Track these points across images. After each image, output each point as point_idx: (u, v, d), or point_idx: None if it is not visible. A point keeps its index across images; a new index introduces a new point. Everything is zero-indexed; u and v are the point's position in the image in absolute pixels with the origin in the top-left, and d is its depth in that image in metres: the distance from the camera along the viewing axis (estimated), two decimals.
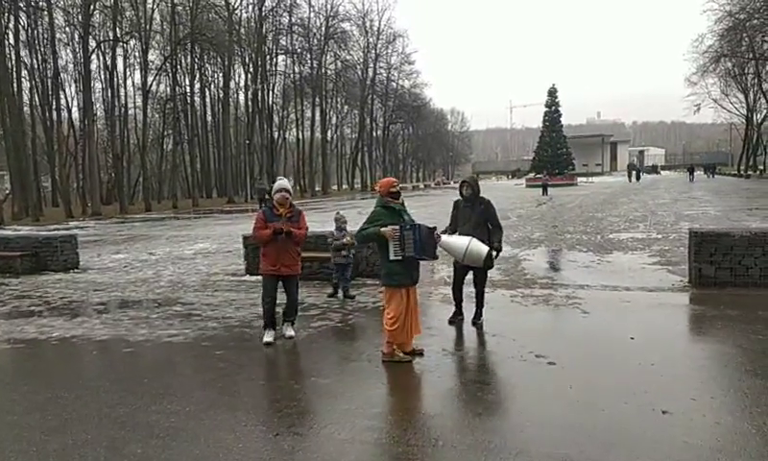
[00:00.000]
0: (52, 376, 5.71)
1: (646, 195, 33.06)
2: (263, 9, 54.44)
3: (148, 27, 47.04)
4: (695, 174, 55.78)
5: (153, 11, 48.48)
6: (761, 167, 68.95)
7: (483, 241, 6.10)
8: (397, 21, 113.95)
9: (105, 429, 4.23)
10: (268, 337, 6.27)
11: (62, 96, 49.21)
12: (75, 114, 52.04)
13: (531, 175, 67.85)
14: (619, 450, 3.64)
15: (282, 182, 6.47)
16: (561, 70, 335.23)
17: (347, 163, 79.96)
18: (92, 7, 39.12)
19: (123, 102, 52.93)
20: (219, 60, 56.62)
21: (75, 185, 55.72)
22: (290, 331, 6.50)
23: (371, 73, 71.04)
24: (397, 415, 4.44)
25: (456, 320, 6.81)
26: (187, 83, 53.68)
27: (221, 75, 59.32)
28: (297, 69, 61.44)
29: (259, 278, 6.70)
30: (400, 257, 5.37)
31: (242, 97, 62.53)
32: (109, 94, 46.08)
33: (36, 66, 45.42)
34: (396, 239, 5.35)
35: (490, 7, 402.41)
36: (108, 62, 45.78)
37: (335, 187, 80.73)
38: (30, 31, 42.95)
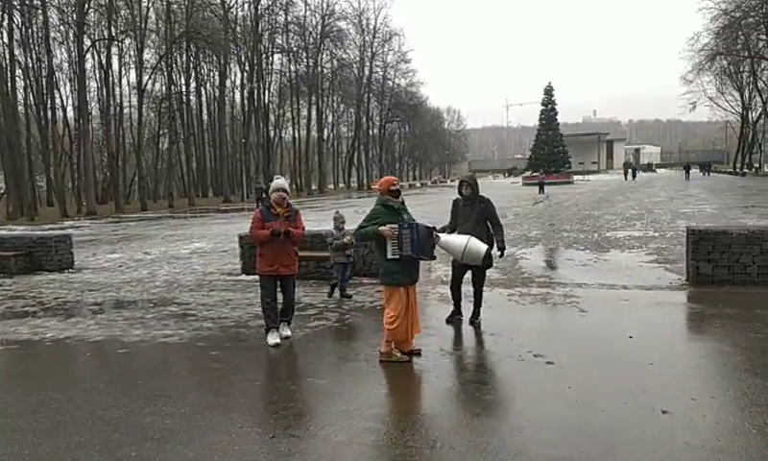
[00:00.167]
0: (45, 377, 5.64)
1: (642, 193, 33.09)
2: (259, 7, 54.31)
3: (143, 25, 46.83)
4: (691, 172, 55.88)
5: (148, 9, 48.29)
6: (756, 165, 69.19)
7: (482, 240, 6.07)
8: (394, 20, 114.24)
9: (98, 432, 4.17)
10: (274, 339, 6.19)
11: (57, 95, 49.02)
12: (70, 113, 51.91)
13: (527, 173, 67.97)
14: (619, 451, 3.60)
15: (280, 182, 6.41)
16: (557, 69, 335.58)
17: (343, 162, 79.93)
18: (87, 5, 38.93)
19: (118, 101, 52.77)
20: (215, 58, 56.51)
21: (70, 185, 55.51)
22: (287, 331, 6.44)
23: (367, 72, 71.02)
24: (395, 416, 4.40)
25: (454, 319, 6.77)
26: (183, 81, 53.61)
27: (216, 74, 59.23)
28: (293, 68, 61.39)
29: (255, 277, 6.64)
30: (398, 256, 5.33)
31: (238, 96, 62.50)
32: (104, 93, 46.00)
33: (30, 65, 45.18)
34: (394, 238, 5.32)
35: (486, 5, 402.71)
36: (103, 61, 45.70)
37: (331, 186, 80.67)
38: (24, 29, 42.67)
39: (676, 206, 22.42)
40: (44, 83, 44.38)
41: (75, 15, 39.93)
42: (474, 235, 6.04)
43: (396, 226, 5.33)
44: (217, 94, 58.99)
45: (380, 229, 5.35)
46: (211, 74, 63.07)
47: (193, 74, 55.74)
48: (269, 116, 60.71)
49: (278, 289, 6.33)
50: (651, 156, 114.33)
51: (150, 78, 49.77)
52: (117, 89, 53.32)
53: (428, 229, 5.48)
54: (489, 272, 7.06)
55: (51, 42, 42.46)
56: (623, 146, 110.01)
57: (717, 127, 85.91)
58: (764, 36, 53.35)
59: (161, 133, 52.95)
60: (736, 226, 10.31)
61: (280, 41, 59.45)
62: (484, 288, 6.83)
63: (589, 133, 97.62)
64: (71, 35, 44.35)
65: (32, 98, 46.98)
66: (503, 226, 6.78)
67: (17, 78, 43.08)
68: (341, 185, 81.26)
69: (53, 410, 4.61)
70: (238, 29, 55.41)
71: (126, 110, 55.16)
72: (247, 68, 55.86)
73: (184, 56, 51.75)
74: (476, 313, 6.73)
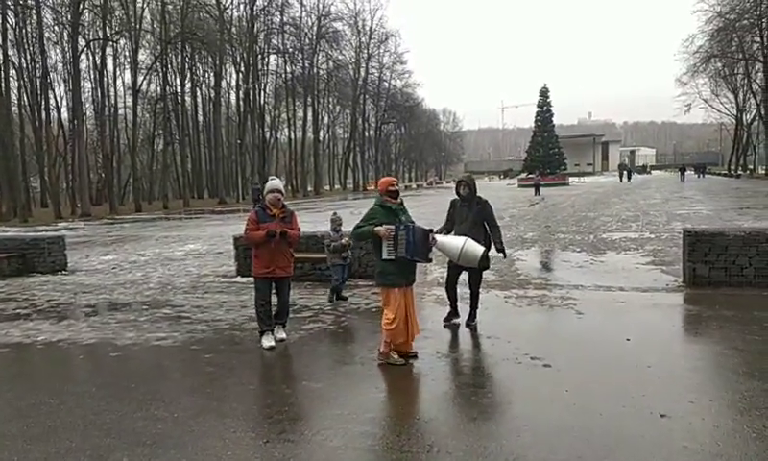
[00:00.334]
0: (36, 381, 5.57)
1: (638, 195, 33.17)
2: (254, 8, 54.25)
3: (138, 26, 46.70)
4: (686, 174, 56.07)
5: (143, 9, 48.21)
6: (751, 167, 69.51)
7: (479, 241, 6.02)
8: (390, 21, 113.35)
9: (89, 437, 4.10)
10: (268, 341, 6.13)
11: (51, 96, 48.81)
12: (64, 114, 51.72)
13: (523, 175, 68.07)
14: (618, 455, 3.56)
15: (275, 183, 6.35)
16: (552, 71, 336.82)
17: (339, 163, 79.85)
18: (81, 5, 38.79)
19: (113, 102, 52.57)
20: (210, 59, 56.34)
21: (64, 186, 55.23)
22: (281, 334, 6.38)
23: (363, 73, 70.99)
24: (391, 420, 4.35)
25: (451, 321, 6.72)
26: (178, 82, 53.41)
27: (212, 74, 59.08)
28: (288, 69, 61.29)
29: (250, 279, 6.58)
30: (393, 257, 5.30)
31: (233, 97, 62.37)
32: (99, 94, 45.79)
33: (24, 65, 44.92)
34: (389, 239, 5.29)
35: (481, 7, 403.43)
36: (98, 62, 45.47)
37: (327, 188, 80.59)
38: (18, 29, 42.48)
39: (671, 208, 22.46)
40: (38, 83, 44.11)
41: (69, 16, 39.79)
42: (471, 236, 6.00)
43: (392, 227, 5.30)
44: (212, 95, 58.85)
45: (376, 229, 5.32)
46: (207, 75, 62.96)
47: (188, 75, 55.57)
48: (264, 117, 60.63)
49: (273, 291, 6.27)
50: (646, 157, 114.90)
51: (145, 79, 49.63)
52: (112, 90, 53.17)
53: (425, 231, 5.44)
54: (485, 274, 7.04)
55: (45, 43, 42.25)
56: (618, 148, 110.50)
57: (712, 129, 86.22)
58: (758, 39, 53.59)
59: (156, 134, 52.67)
60: (733, 227, 10.30)
61: (276, 42, 59.43)
62: (480, 290, 6.79)
63: (585, 135, 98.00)
64: (65, 35, 44.24)
65: (26, 98, 46.73)
66: (500, 227, 6.75)
67: (11, 78, 42.88)
68: (336, 187, 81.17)
69: (44, 415, 4.54)
70: (234, 30, 55.29)
71: (121, 111, 54.93)
72: (242, 69, 55.78)
73: (180, 56, 51.59)
74: (472, 315, 6.68)
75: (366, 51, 70.76)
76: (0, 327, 7.50)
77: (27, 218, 34.00)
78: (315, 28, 61.56)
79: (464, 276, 6.65)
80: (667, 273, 9.46)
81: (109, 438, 4.06)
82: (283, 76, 61.36)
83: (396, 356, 5.41)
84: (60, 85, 53.48)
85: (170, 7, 47.81)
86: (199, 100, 63.31)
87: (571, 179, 62.02)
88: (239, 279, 10.31)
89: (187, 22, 47.49)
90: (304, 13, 61.39)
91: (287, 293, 6.38)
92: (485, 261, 5.94)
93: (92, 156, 55.85)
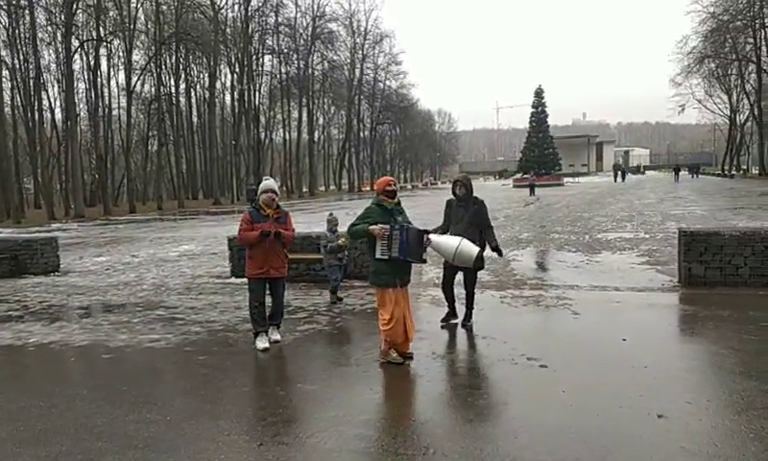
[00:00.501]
0: (27, 383, 5.50)
1: (632, 195, 33.24)
2: (249, 8, 54.04)
3: (132, 26, 46.48)
4: (680, 174, 56.28)
5: (137, 10, 47.95)
6: (744, 167, 69.83)
7: (474, 242, 5.98)
8: (384, 22, 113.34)
9: (80, 441, 4.04)
10: (263, 343, 6.07)
11: (45, 96, 48.60)
12: (58, 115, 51.36)
13: (518, 175, 68.21)
14: (615, 457, 3.53)
15: (269, 183, 6.29)
16: (547, 71, 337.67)
17: (334, 164, 79.77)
18: (75, 6, 38.57)
19: (107, 102, 52.41)
20: (204, 60, 56.16)
21: (58, 187, 54.96)
22: (276, 335, 6.33)
23: (357, 73, 70.91)
24: (387, 422, 4.30)
25: (449, 322, 6.68)
26: (172, 83, 53.21)
27: (206, 75, 58.88)
28: (283, 69, 61.09)
29: (245, 280, 6.52)
30: (386, 257, 5.27)
31: (228, 97, 62.22)
32: (93, 94, 45.52)
33: (17, 66, 44.68)
34: (384, 238, 5.25)
35: (476, 8, 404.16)
36: (92, 62, 45.22)
37: (322, 188, 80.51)
38: (11, 30, 42.26)
39: (666, 208, 22.51)
40: (32, 84, 43.90)
41: (63, 16, 39.55)
42: (467, 237, 5.96)
43: (387, 226, 5.26)
44: (207, 96, 58.64)
45: (370, 228, 5.29)
46: (201, 75, 62.74)
47: (183, 75, 55.43)
48: (259, 118, 60.44)
49: (268, 292, 6.22)
50: (640, 158, 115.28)
51: (139, 79, 49.46)
52: (106, 91, 53.01)
53: (419, 232, 5.40)
54: (480, 274, 7.00)
55: (38, 43, 41.99)
56: (612, 148, 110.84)
57: (705, 129, 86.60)
58: (751, 40, 53.89)
59: (151, 134, 52.49)
60: (728, 227, 10.32)
61: (271, 43, 59.26)
62: (476, 290, 6.76)
63: (579, 136, 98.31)
64: (59, 35, 43.92)
65: (19, 99, 46.46)
66: (493, 227, 6.70)
67: (4, 79, 42.61)
68: (332, 188, 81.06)
69: (34, 418, 4.47)
70: (228, 30, 55.12)
71: (114, 112, 54.84)
72: (237, 70, 55.60)
73: (174, 57, 51.42)
74: (468, 316, 6.65)
75: (361, 52, 70.73)
76: None
77: (20, 219, 33.77)
78: (310, 28, 61.45)
79: (459, 276, 6.61)
80: (662, 273, 9.45)
81: (101, 441, 4.00)
82: (278, 76, 61.22)
83: (395, 354, 5.39)
84: (53, 86, 53.22)
85: (164, 7, 47.66)
86: (193, 101, 63.13)
87: (566, 179, 62.16)
88: (233, 280, 10.24)
89: (182, 23, 47.32)
90: (299, 14, 61.32)
91: (282, 294, 6.33)
92: (480, 262, 5.91)
93: (86, 156, 55.60)
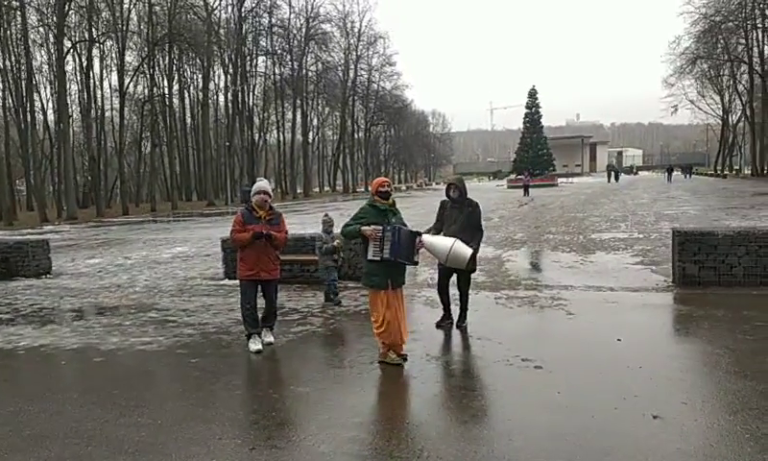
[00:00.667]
0: (17, 387, 5.43)
1: (626, 195, 33.32)
2: (242, 9, 53.92)
3: (124, 27, 46.16)
4: (673, 174, 56.47)
5: (129, 11, 47.58)
6: (737, 167, 70.20)
7: (467, 243, 5.95)
8: (378, 23, 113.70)
9: (70, 445, 3.98)
10: (255, 345, 6.02)
11: (37, 98, 48.24)
12: (50, 116, 51.07)
13: (512, 176, 68.26)
14: (611, 459, 3.51)
15: (262, 184, 6.23)
16: (540, 72, 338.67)
17: (328, 165, 79.61)
18: (67, 7, 38.33)
19: (99, 104, 52.07)
20: (198, 61, 55.88)
21: (50, 189, 54.62)
22: (269, 337, 6.28)
23: (352, 74, 70.74)
24: (381, 425, 4.26)
25: (445, 323, 6.64)
26: (165, 84, 52.97)
27: (200, 76, 58.54)
28: (277, 71, 60.96)
29: (238, 282, 6.46)
30: (378, 258, 5.24)
31: (222, 99, 61.86)
32: (85, 96, 45.26)
33: (9, 67, 44.34)
34: (376, 239, 5.23)
35: (470, 9, 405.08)
36: (84, 63, 44.98)
37: (317, 189, 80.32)
38: (2, 31, 41.91)
39: (659, 208, 22.56)
40: (24, 85, 43.55)
41: (54, 17, 39.29)
42: (460, 238, 5.92)
43: (379, 227, 5.23)
44: (200, 97, 58.32)
45: (362, 228, 5.28)
46: (194, 77, 62.43)
47: (176, 76, 55.14)
48: (253, 119, 60.28)
49: (260, 294, 6.17)
50: (633, 158, 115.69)
51: (132, 80, 49.12)
52: (98, 92, 52.66)
53: (411, 233, 5.37)
54: (475, 275, 6.97)
55: (30, 44, 41.70)
56: (606, 149, 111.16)
57: (698, 130, 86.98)
58: (743, 41, 54.17)
59: (144, 136, 52.21)
60: (722, 227, 10.34)
61: (264, 44, 59.14)
62: (470, 291, 6.73)
63: (573, 136, 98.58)
64: (51, 36, 43.66)
65: (11, 101, 46.09)
66: (483, 231, 6.65)
67: None
68: (326, 189, 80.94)
69: (23, 423, 4.41)
70: (222, 31, 54.87)
71: (107, 113, 54.44)
72: (230, 71, 55.44)
73: (167, 58, 51.17)
74: (463, 317, 6.62)
75: (355, 53, 70.55)
76: None
77: (12, 221, 33.53)
78: (303, 30, 61.27)
79: (453, 277, 6.57)
80: (657, 273, 9.46)
81: (90, 446, 3.95)
82: (272, 78, 61.07)
83: (393, 355, 5.37)
84: (45, 88, 52.94)
85: (157, 8, 47.35)
86: (187, 102, 62.85)
87: (560, 180, 62.22)
88: (227, 281, 10.18)
89: (174, 23, 47.04)
90: (293, 15, 61.17)
91: (274, 296, 6.28)
92: (472, 264, 5.87)
93: (78, 158, 55.31)
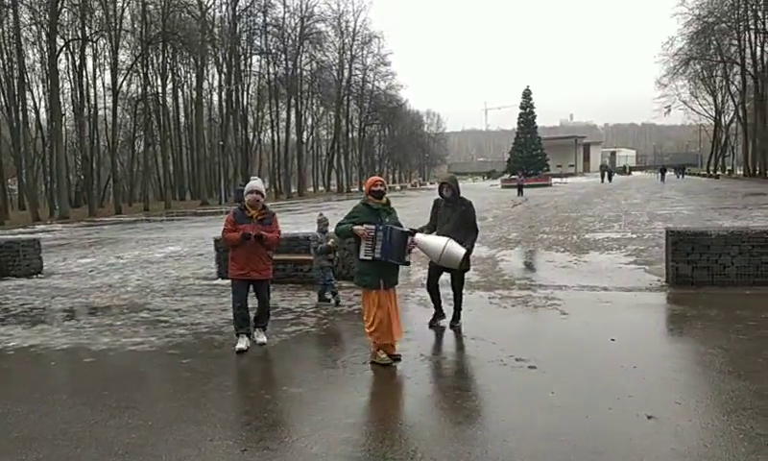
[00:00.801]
0: (5, 388, 5.35)
1: (619, 195, 33.43)
2: (237, 8, 53.76)
3: (118, 26, 45.94)
4: (666, 174, 56.73)
5: (123, 9, 47.42)
6: (729, 168, 70.61)
7: (461, 243, 5.92)
8: (373, 23, 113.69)
9: (59, 447, 3.92)
10: (241, 344, 5.98)
11: (29, 96, 47.95)
12: (42, 115, 50.80)
13: (506, 176, 68.40)
14: (605, 459, 3.49)
15: (254, 184, 6.17)
16: (534, 73, 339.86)
17: (322, 165, 79.56)
18: (60, 5, 38.10)
19: (92, 102, 51.76)
20: (192, 60, 55.68)
21: (42, 188, 54.30)
22: (262, 338, 6.23)
23: (346, 74, 70.72)
24: (374, 425, 4.23)
25: (437, 322, 6.62)
26: (159, 83, 52.73)
27: (194, 75, 58.42)
28: (271, 70, 60.81)
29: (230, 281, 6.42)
30: (370, 258, 5.21)
31: (216, 98, 61.77)
32: (78, 95, 45.03)
33: (1, 66, 44.06)
34: (368, 239, 5.20)
35: (464, 10, 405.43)
36: (77, 62, 44.73)
37: (311, 189, 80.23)
38: None
39: (652, 208, 22.63)
40: (16, 84, 43.25)
41: (47, 15, 39.06)
42: (454, 238, 5.90)
43: (372, 227, 5.20)
44: (194, 96, 58.14)
45: (355, 228, 5.25)
46: (188, 75, 62.27)
47: (170, 75, 54.91)
48: (247, 119, 60.10)
49: (252, 294, 6.12)
50: (626, 159, 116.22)
51: (125, 79, 48.92)
52: (91, 91, 52.34)
53: (403, 233, 5.34)
54: (468, 274, 6.95)
55: (23, 42, 41.40)
56: (599, 149, 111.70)
57: (691, 130, 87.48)
58: (736, 42, 54.51)
59: (137, 135, 51.95)
60: (715, 227, 10.36)
61: (259, 43, 58.97)
62: (464, 291, 6.70)
63: (567, 137, 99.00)
64: (43, 35, 43.41)
65: (3, 99, 45.82)
66: (478, 231, 6.63)
67: None
68: (320, 188, 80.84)
69: (11, 425, 4.35)
70: (216, 30, 54.74)
71: (100, 112, 54.08)
72: (225, 70, 55.29)
73: (161, 57, 50.93)
74: (456, 316, 6.59)
75: (349, 52, 70.53)
76: None
77: (4, 221, 33.31)
78: (298, 29, 61.16)
79: (446, 277, 6.55)
80: (650, 272, 9.46)
81: (80, 448, 3.89)
82: (266, 77, 60.92)
83: (383, 355, 5.33)
84: (38, 86, 52.69)
85: (151, 7, 47.13)
86: (180, 101, 62.63)
87: (554, 180, 62.47)
88: (220, 281, 10.11)
89: (168, 22, 46.87)
90: (287, 14, 61.03)
91: (266, 296, 6.23)
92: (465, 263, 5.85)
93: (71, 157, 55.01)
